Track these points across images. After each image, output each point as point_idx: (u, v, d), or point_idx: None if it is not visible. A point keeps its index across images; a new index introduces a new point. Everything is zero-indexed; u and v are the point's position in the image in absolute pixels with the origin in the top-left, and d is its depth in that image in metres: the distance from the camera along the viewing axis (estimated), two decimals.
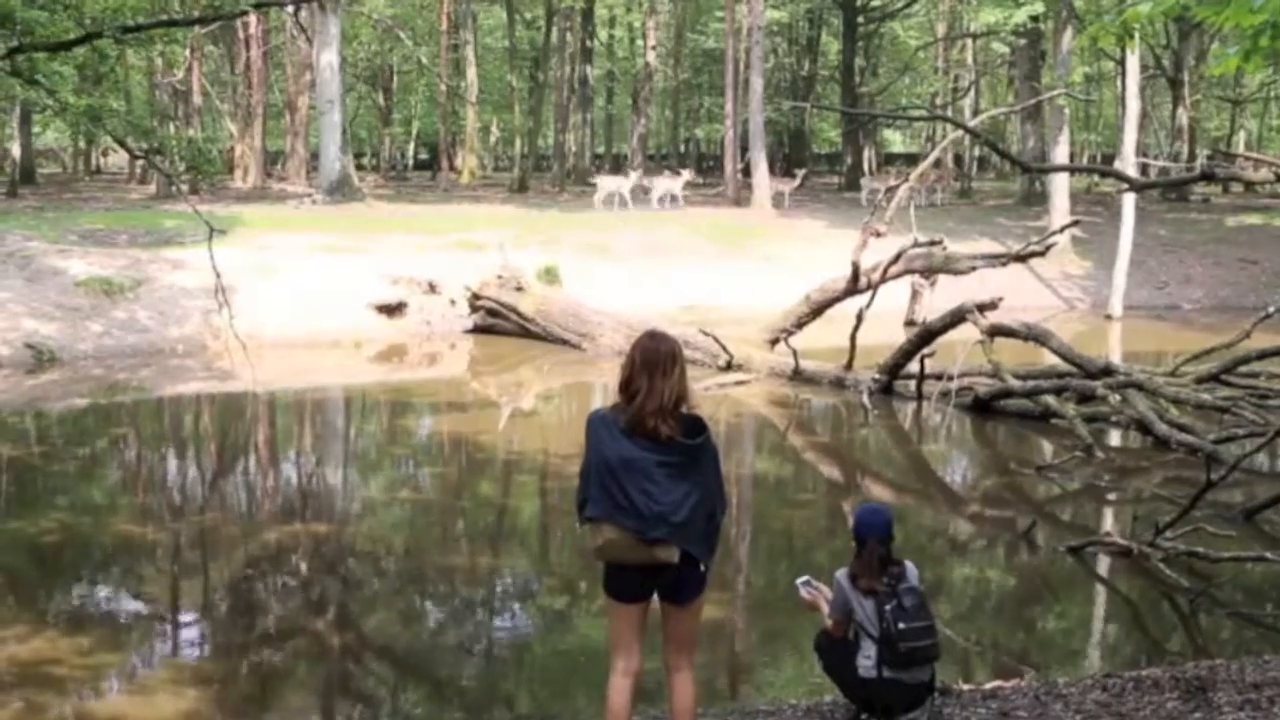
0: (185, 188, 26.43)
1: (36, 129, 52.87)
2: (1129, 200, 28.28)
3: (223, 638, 9.05)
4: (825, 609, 6.50)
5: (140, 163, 33.48)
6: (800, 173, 45.39)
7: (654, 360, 5.32)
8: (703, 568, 5.38)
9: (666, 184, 39.75)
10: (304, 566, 10.83)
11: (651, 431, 5.24)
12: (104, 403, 18.43)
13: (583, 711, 7.32)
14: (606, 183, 38.86)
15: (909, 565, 6.44)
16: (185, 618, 9.68)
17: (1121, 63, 35.32)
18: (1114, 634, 9.57)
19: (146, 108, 46.07)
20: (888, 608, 6.17)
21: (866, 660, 6.26)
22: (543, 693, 8.12)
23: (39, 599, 9.79)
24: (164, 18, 16.58)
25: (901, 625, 6.14)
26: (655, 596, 5.50)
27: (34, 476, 13.97)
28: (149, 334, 20.95)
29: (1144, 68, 38.03)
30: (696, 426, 5.36)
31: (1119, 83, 41.13)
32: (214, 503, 13.31)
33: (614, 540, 5.27)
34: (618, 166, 57.71)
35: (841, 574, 6.40)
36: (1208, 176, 10.85)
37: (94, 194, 42.01)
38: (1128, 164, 27.66)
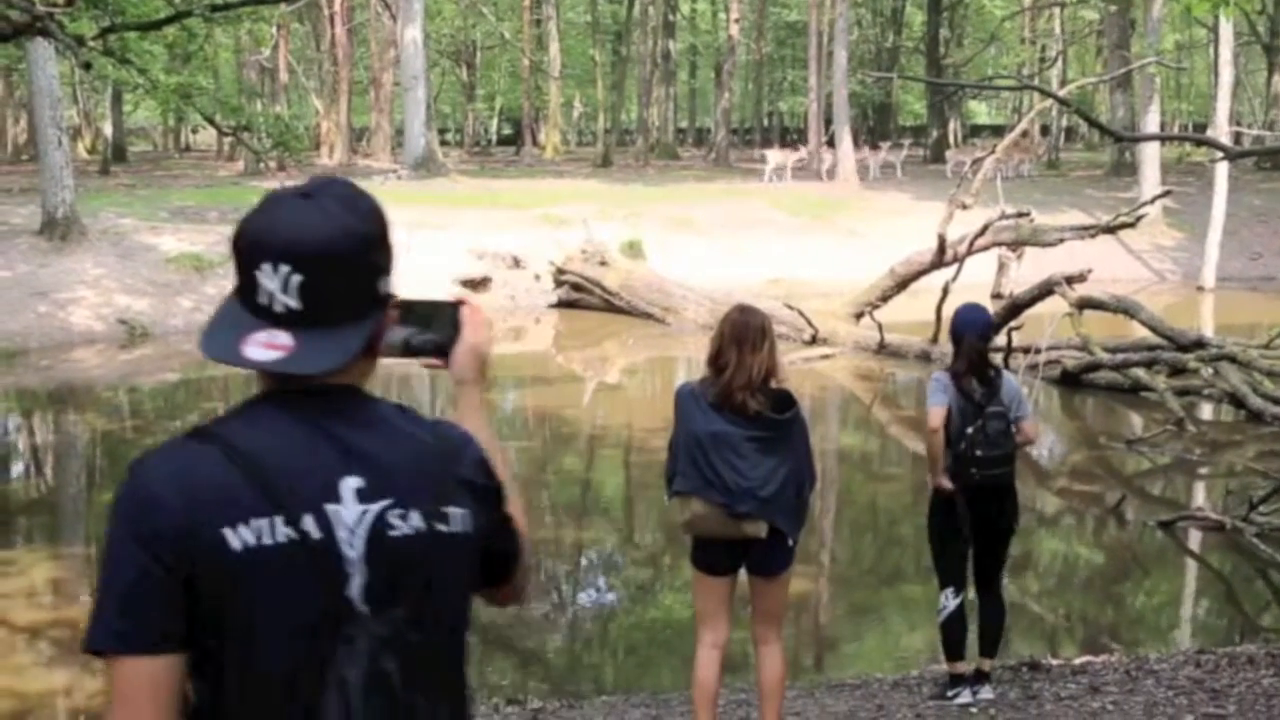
0: (273, 164, 26.68)
1: (128, 108, 53.55)
2: (1222, 170, 27.75)
3: None
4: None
5: (229, 140, 33.84)
6: (892, 144, 45.05)
7: (743, 334, 5.26)
8: (790, 542, 5.35)
9: (834, 157, 40.80)
10: None
11: (740, 406, 5.19)
12: (194, 377, 18.70)
13: (669, 684, 7.33)
14: (774, 156, 40.15)
15: (1009, 379, 6.37)
16: None
17: (1214, 29, 34.62)
18: (1206, 610, 9.45)
19: (234, 85, 46.62)
20: (969, 429, 6.14)
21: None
22: (628, 665, 8.16)
23: None
24: None
25: (979, 452, 6.16)
26: (743, 569, 5.48)
27: (127, 450, 14.21)
28: None
29: (1238, 34, 37.30)
30: (786, 401, 5.30)
31: (1211, 50, 40.26)
32: None
33: (702, 514, 5.23)
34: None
35: (940, 374, 6.37)
36: None
37: (184, 171, 42.56)
38: (1221, 133, 27.11)
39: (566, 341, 22.35)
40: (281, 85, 47.94)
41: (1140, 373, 15.32)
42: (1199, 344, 15.27)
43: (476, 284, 23.70)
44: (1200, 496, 12.03)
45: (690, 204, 30.30)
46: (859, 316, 19.63)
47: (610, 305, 22.71)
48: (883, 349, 18.46)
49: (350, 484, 1.82)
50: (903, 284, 19.29)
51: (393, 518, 1.84)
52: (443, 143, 52.32)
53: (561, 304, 23.62)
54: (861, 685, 6.93)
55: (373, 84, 52.27)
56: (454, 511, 1.90)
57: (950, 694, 6.41)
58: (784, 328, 18.68)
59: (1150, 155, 32.18)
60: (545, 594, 9.70)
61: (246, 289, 1.89)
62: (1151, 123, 33.07)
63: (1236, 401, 14.34)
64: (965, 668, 6.44)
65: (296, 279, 1.84)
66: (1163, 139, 34.47)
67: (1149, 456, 13.32)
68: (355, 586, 1.81)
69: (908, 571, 9.79)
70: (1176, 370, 15.28)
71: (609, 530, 11.53)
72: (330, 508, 1.80)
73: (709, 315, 20.00)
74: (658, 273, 23.06)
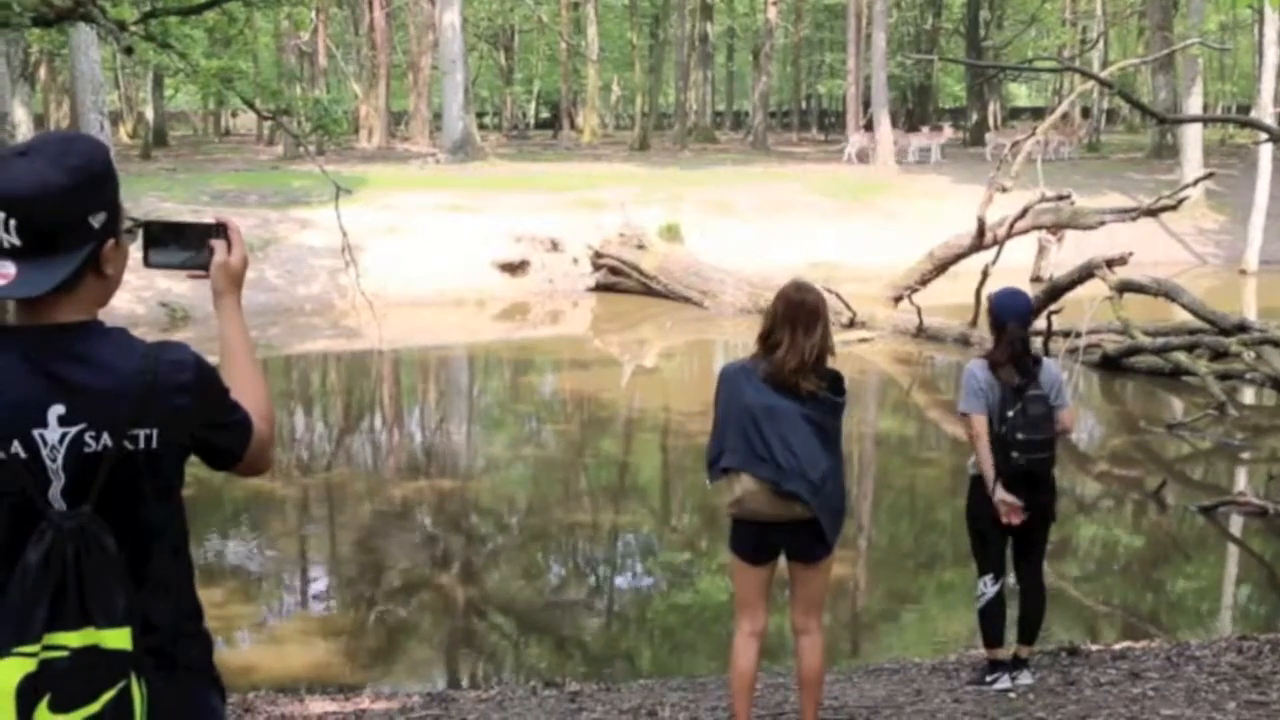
0: (312, 148, 26.71)
1: (168, 92, 53.87)
2: (1266, 151, 27.47)
3: (350, 591, 9.22)
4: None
5: (268, 124, 34.00)
6: (932, 127, 44.84)
7: (797, 314, 5.18)
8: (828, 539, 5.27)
9: (921, 140, 41.15)
10: (428, 522, 11.00)
11: (792, 387, 5.13)
12: None
13: (705, 669, 7.34)
14: (856, 138, 40.92)
15: (1049, 365, 6.27)
16: (314, 571, 9.88)
17: (1259, 9, 34.25)
18: (1248, 596, 9.38)
19: (274, 70, 46.78)
20: (1010, 413, 6.01)
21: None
22: (665, 649, 8.16)
23: None
24: None
25: (1020, 436, 5.99)
26: (783, 556, 5.42)
27: None
28: (278, 293, 21.30)
29: None
30: (838, 384, 5.26)
31: (1256, 30, 39.87)
32: (341, 459, 13.55)
33: (752, 491, 5.14)
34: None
35: (976, 363, 6.26)
36: None
37: (224, 155, 42.76)
38: (1265, 114, 26.83)
39: (604, 325, 22.35)
40: (320, 69, 48.02)
41: (1181, 356, 15.21)
42: (1241, 327, 15.15)
43: (515, 267, 23.74)
44: (1242, 481, 11.93)
45: (729, 187, 30.24)
46: (897, 300, 19.56)
47: (648, 289, 22.70)
48: (921, 333, 18.38)
49: (55, 411, 2.34)
50: (942, 267, 19.21)
51: (88, 438, 2.36)
52: (481, 126, 52.34)
53: (599, 287, 23.62)
54: (899, 670, 6.92)
55: (411, 68, 52.33)
56: (141, 433, 2.40)
57: (989, 679, 6.38)
58: None
59: (1193, 137, 31.89)
60: (582, 578, 9.73)
61: None
62: (1194, 104, 32.77)
63: (1279, 386, 14.22)
64: (1004, 654, 6.41)
65: (13, 222, 2.33)
66: (1205, 121, 34.12)
67: (1190, 441, 13.22)
68: (55, 489, 2.35)
69: (946, 556, 9.76)
70: (1218, 354, 15.16)
71: (646, 514, 11.53)
72: (36, 432, 2.34)
73: (747, 299, 19.99)
74: (695, 256, 23.03)
